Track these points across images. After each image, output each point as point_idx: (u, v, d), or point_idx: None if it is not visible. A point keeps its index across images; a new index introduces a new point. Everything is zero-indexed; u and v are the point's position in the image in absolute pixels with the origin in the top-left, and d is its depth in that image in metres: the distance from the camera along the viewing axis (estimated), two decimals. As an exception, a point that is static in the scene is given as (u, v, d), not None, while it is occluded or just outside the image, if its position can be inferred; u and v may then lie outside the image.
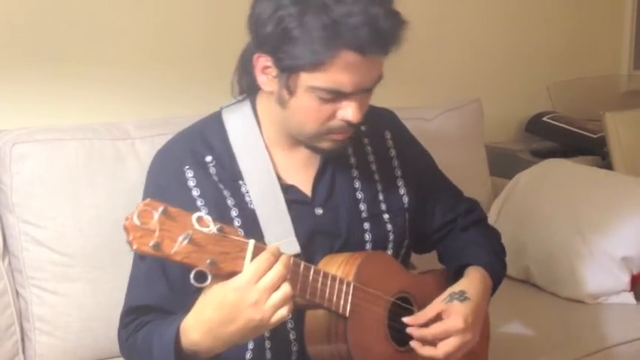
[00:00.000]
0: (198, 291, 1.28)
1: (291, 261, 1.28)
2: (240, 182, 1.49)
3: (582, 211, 2.35)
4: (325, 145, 1.47)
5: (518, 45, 3.14)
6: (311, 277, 1.33)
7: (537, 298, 2.35)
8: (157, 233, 1.15)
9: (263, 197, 1.48)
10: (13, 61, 2.04)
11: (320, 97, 1.39)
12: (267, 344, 1.51)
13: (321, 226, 1.51)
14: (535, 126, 3.16)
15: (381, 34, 1.34)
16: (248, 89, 1.54)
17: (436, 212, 1.71)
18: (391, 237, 1.59)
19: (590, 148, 2.98)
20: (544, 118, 3.13)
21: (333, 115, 1.41)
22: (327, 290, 1.36)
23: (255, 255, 1.24)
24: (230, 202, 1.48)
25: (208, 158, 1.51)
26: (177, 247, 1.16)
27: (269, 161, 1.51)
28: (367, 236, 1.56)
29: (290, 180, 1.52)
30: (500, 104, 3.01)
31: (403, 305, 1.52)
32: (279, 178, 1.50)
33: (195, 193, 1.47)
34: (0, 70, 2.02)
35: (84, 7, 2.12)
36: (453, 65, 2.92)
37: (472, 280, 1.57)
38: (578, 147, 3.00)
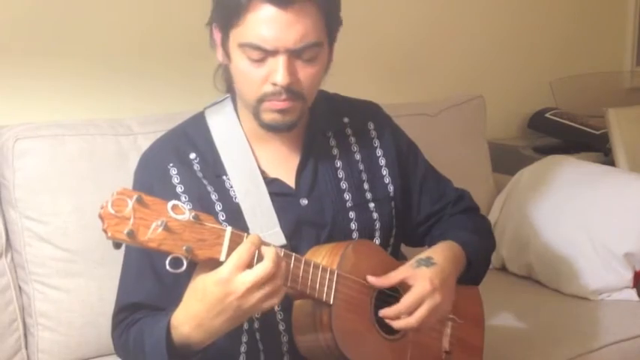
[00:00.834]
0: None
1: (275, 251, 1.28)
2: (224, 177, 1.51)
3: (585, 207, 2.35)
4: (268, 117, 1.45)
5: (520, 41, 3.14)
6: (292, 265, 1.34)
7: (540, 294, 2.35)
8: (131, 221, 1.16)
9: (247, 191, 1.49)
10: (16, 57, 2.03)
11: (248, 56, 1.41)
12: (258, 335, 1.52)
13: (306, 216, 1.52)
14: (538, 122, 3.16)
15: None
16: (230, 87, 1.56)
17: (423, 202, 1.71)
18: (377, 225, 1.59)
19: (593, 144, 2.98)
20: (547, 115, 3.13)
21: (265, 80, 1.42)
22: (310, 278, 1.36)
23: (233, 242, 1.24)
24: (214, 196, 1.49)
25: (192, 155, 1.52)
26: (151, 234, 1.17)
27: (251, 156, 1.52)
28: (353, 225, 1.56)
29: (273, 173, 1.53)
30: (502, 101, 3.01)
31: (389, 293, 1.52)
32: (262, 172, 1.52)
33: (180, 189, 1.49)
34: (2, 66, 2.02)
35: (87, 2, 2.12)
36: (455, 62, 2.92)
37: (439, 248, 1.58)
38: (581, 143, 3.00)
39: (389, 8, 2.67)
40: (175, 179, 1.50)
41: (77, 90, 2.12)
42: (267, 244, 1.28)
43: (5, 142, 1.81)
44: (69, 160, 1.83)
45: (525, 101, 3.16)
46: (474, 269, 1.63)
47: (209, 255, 1.23)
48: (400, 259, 1.66)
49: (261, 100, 1.44)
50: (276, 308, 1.49)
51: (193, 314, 1.28)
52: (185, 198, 1.47)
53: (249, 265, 1.24)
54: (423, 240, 1.75)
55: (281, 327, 1.51)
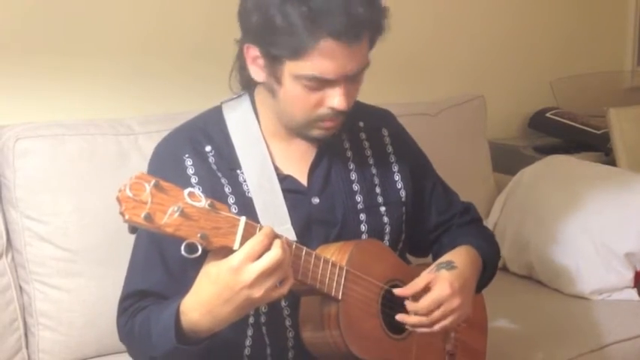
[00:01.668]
0: (196, 277, 1.31)
1: (286, 243, 1.30)
2: (238, 171, 1.52)
3: (586, 207, 2.35)
4: (316, 133, 1.50)
5: (521, 41, 3.14)
6: (303, 259, 1.35)
7: (540, 294, 2.35)
8: (148, 205, 1.16)
9: (260, 186, 1.50)
10: (16, 57, 2.03)
11: (305, 85, 1.42)
12: (264, 330, 1.53)
13: (317, 214, 1.53)
14: (538, 122, 3.16)
15: (358, 21, 1.38)
16: (247, 84, 1.57)
17: (432, 212, 1.73)
18: (387, 229, 1.60)
19: (594, 144, 2.98)
20: (547, 114, 3.13)
21: (321, 103, 1.44)
22: (320, 272, 1.37)
23: (246, 232, 1.25)
24: (227, 189, 1.50)
25: (207, 148, 1.54)
26: (168, 218, 1.17)
27: (266, 152, 1.53)
28: (363, 227, 1.57)
29: (287, 170, 1.54)
30: (503, 100, 3.01)
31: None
32: (276, 169, 1.53)
33: (194, 180, 1.50)
34: (3, 66, 2.02)
35: (88, 2, 2.12)
36: (456, 61, 2.92)
37: (458, 252, 1.60)
38: (582, 143, 3.00)
39: (390, 9, 2.66)
40: (190, 170, 1.51)
41: (78, 90, 2.12)
42: (279, 237, 1.29)
43: (6, 141, 1.81)
44: (69, 159, 1.83)
45: (526, 101, 3.16)
46: (485, 274, 1.65)
47: (223, 243, 1.24)
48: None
49: (313, 121, 1.47)
50: (284, 304, 1.50)
51: (204, 300, 1.28)
52: (199, 189, 1.47)
53: (261, 257, 1.25)
54: (429, 249, 1.76)
55: (287, 322, 1.51)
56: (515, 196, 2.53)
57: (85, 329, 1.83)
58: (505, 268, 2.49)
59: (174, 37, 2.27)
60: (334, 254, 1.44)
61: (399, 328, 1.50)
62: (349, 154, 1.61)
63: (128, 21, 2.19)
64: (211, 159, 1.53)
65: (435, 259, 1.73)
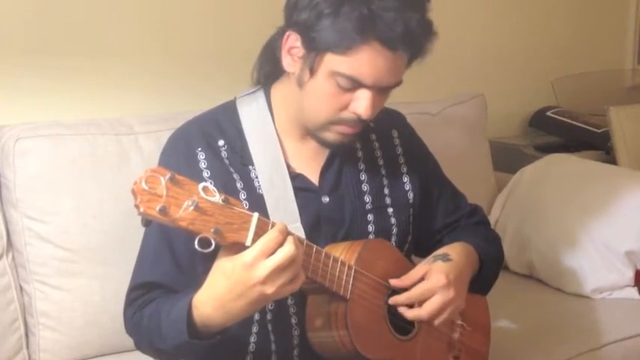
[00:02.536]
0: (206, 272, 1.31)
1: (298, 239, 1.30)
2: (250, 167, 1.52)
3: (586, 205, 2.35)
4: (332, 137, 1.50)
5: (522, 40, 3.14)
6: (313, 256, 1.35)
7: (541, 292, 2.35)
8: (163, 198, 1.16)
9: (271, 183, 1.50)
10: (17, 57, 2.03)
11: (339, 83, 1.42)
12: (270, 327, 1.53)
13: (326, 213, 1.54)
14: (539, 121, 3.16)
15: (413, 36, 1.41)
16: (265, 79, 1.58)
17: (439, 213, 1.74)
18: (394, 230, 1.61)
19: (595, 142, 2.98)
20: (548, 113, 3.13)
21: (345, 106, 1.45)
22: (329, 270, 1.38)
23: (258, 228, 1.25)
24: (239, 185, 1.51)
25: (220, 142, 1.54)
26: (183, 212, 1.18)
27: (279, 149, 1.54)
28: (370, 228, 1.58)
29: (299, 169, 1.55)
30: (504, 99, 3.01)
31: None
32: (288, 166, 1.53)
33: (206, 174, 1.50)
34: (3, 65, 2.02)
35: (88, 2, 2.12)
36: (457, 60, 2.91)
37: (453, 246, 1.61)
38: (583, 142, 3.00)
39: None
40: (203, 164, 1.51)
41: (78, 90, 2.12)
42: (292, 234, 1.29)
43: (6, 141, 1.81)
44: (70, 159, 1.83)
45: (527, 100, 3.16)
46: (484, 273, 1.65)
47: (236, 239, 1.24)
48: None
49: (333, 122, 1.47)
50: (290, 302, 1.50)
51: (218, 294, 1.28)
52: (211, 183, 1.47)
53: (274, 253, 1.25)
54: (433, 250, 1.76)
55: (293, 320, 1.52)
56: (515, 195, 2.53)
57: (85, 329, 1.83)
58: (506, 267, 2.49)
59: (175, 37, 2.27)
60: (342, 253, 1.45)
61: (404, 329, 1.51)
62: (360, 154, 1.62)
63: (129, 21, 2.19)
64: (224, 153, 1.53)
65: None
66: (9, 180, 1.80)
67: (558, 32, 3.25)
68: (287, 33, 1.46)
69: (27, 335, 1.84)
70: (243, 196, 1.50)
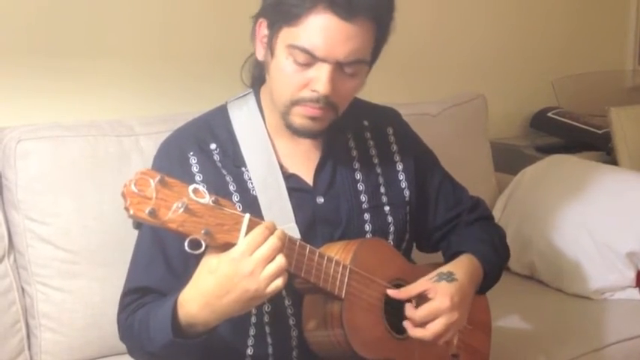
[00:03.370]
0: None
1: (287, 236, 1.30)
2: (243, 169, 1.52)
3: (587, 206, 2.35)
4: (298, 121, 1.47)
5: (522, 40, 3.14)
6: (307, 256, 1.35)
7: (542, 293, 2.35)
8: (153, 200, 1.17)
9: (265, 184, 1.50)
10: (18, 58, 2.03)
11: (295, 59, 1.41)
12: (268, 329, 1.53)
13: (321, 214, 1.54)
14: (540, 121, 3.16)
15: (359, 2, 1.38)
16: (255, 81, 1.59)
17: (439, 209, 1.73)
18: (392, 229, 1.60)
19: (595, 143, 2.97)
20: (549, 114, 3.13)
21: (306, 84, 1.43)
22: (323, 270, 1.37)
23: (250, 228, 1.26)
24: (232, 187, 1.51)
25: (212, 146, 1.54)
26: (172, 214, 1.18)
27: (271, 150, 1.54)
28: (367, 227, 1.57)
29: (292, 169, 1.54)
30: (504, 100, 3.01)
31: None
32: (281, 167, 1.53)
33: (198, 178, 1.50)
34: (4, 67, 2.02)
35: (89, 3, 2.12)
36: (457, 61, 2.92)
37: (460, 263, 1.60)
38: (583, 142, 3.00)
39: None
40: (195, 168, 1.51)
41: (79, 91, 2.12)
42: (279, 229, 1.29)
43: (8, 143, 1.81)
44: (71, 161, 1.83)
45: (527, 100, 3.16)
46: (485, 282, 1.65)
47: (227, 240, 1.24)
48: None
49: (295, 103, 1.45)
50: (287, 302, 1.50)
51: (203, 291, 1.28)
52: (204, 187, 1.48)
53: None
54: (437, 246, 1.76)
55: (291, 321, 1.51)
56: (516, 196, 2.53)
57: (87, 330, 1.83)
58: (507, 268, 2.48)
59: (176, 39, 2.27)
60: (338, 253, 1.45)
61: (402, 328, 1.51)
62: (354, 153, 1.61)
63: (130, 23, 2.19)
64: (216, 157, 1.53)
65: (444, 256, 1.74)
66: (10, 181, 1.80)
67: (559, 33, 3.25)
68: (258, 21, 1.47)
69: (28, 337, 1.84)
70: (236, 198, 1.49)
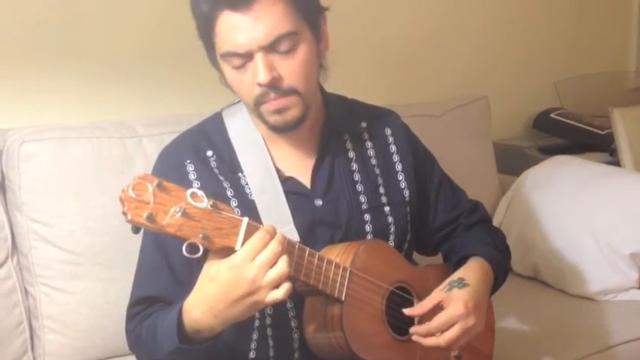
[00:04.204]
0: None
1: (287, 239, 1.30)
2: (240, 174, 1.53)
3: (590, 207, 2.35)
4: (271, 119, 1.47)
5: (525, 42, 3.14)
6: (306, 259, 1.35)
7: (545, 294, 2.34)
8: (150, 205, 1.17)
9: (262, 188, 1.51)
10: (21, 60, 2.04)
11: (232, 65, 1.43)
12: (269, 332, 1.53)
13: (320, 216, 1.54)
14: (542, 123, 3.15)
15: None
16: None
17: (438, 210, 1.73)
18: (392, 229, 1.60)
19: (598, 144, 2.97)
20: (551, 115, 3.13)
21: (253, 83, 1.44)
22: (323, 273, 1.38)
23: (248, 232, 1.26)
24: (230, 192, 1.51)
25: (209, 153, 1.55)
26: (170, 218, 1.18)
27: (267, 154, 1.54)
28: (368, 227, 1.57)
29: (288, 172, 1.54)
30: (507, 101, 3.01)
31: (402, 295, 1.53)
32: (278, 171, 1.53)
33: (196, 185, 1.50)
34: (7, 69, 2.02)
35: (92, 4, 2.13)
36: (460, 62, 2.92)
37: (471, 268, 1.59)
38: (586, 143, 3.00)
39: (394, 9, 2.67)
40: (192, 175, 1.52)
41: (82, 92, 2.12)
42: (279, 233, 1.29)
43: (11, 144, 1.81)
44: (74, 162, 1.83)
45: (530, 101, 3.16)
46: (495, 284, 1.64)
47: (225, 243, 1.24)
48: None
49: (257, 103, 1.46)
50: (289, 305, 1.50)
51: (205, 298, 1.29)
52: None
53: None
54: (436, 249, 1.76)
55: (293, 324, 1.52)
56: (519, 197, 2.53)
57: (90, 332, 1.83)
58: (510, 270, 2.49)
59: (179, 40, 2.26)
60: (339, 255, 1.45)
61: (403, 330, 1.50)
62: (352, 154, 1.61)
63: (133, 24, 2.19)
64: (213, 163, 1.54)
65: (445, 260, 1.74)
66: (14, 183, 1.80)
67: (562, 34, 3.25)
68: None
69: (32, 338, 1.84)
70: (234, 203, 1.50)
